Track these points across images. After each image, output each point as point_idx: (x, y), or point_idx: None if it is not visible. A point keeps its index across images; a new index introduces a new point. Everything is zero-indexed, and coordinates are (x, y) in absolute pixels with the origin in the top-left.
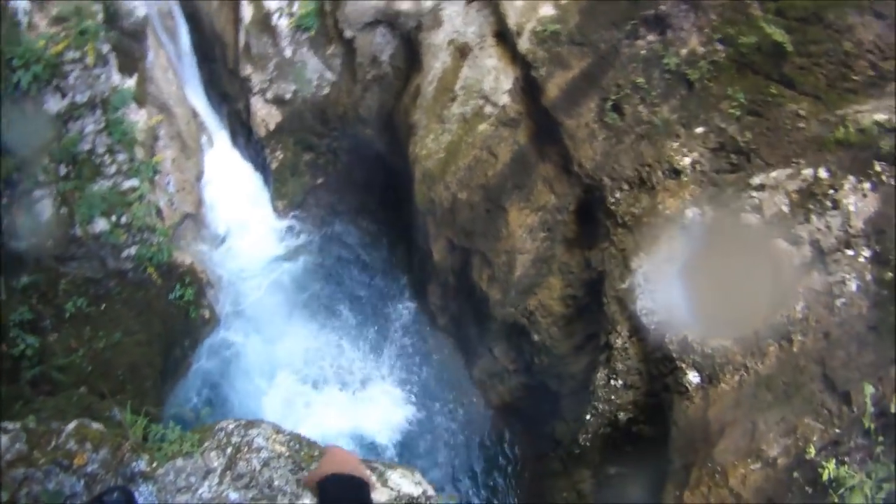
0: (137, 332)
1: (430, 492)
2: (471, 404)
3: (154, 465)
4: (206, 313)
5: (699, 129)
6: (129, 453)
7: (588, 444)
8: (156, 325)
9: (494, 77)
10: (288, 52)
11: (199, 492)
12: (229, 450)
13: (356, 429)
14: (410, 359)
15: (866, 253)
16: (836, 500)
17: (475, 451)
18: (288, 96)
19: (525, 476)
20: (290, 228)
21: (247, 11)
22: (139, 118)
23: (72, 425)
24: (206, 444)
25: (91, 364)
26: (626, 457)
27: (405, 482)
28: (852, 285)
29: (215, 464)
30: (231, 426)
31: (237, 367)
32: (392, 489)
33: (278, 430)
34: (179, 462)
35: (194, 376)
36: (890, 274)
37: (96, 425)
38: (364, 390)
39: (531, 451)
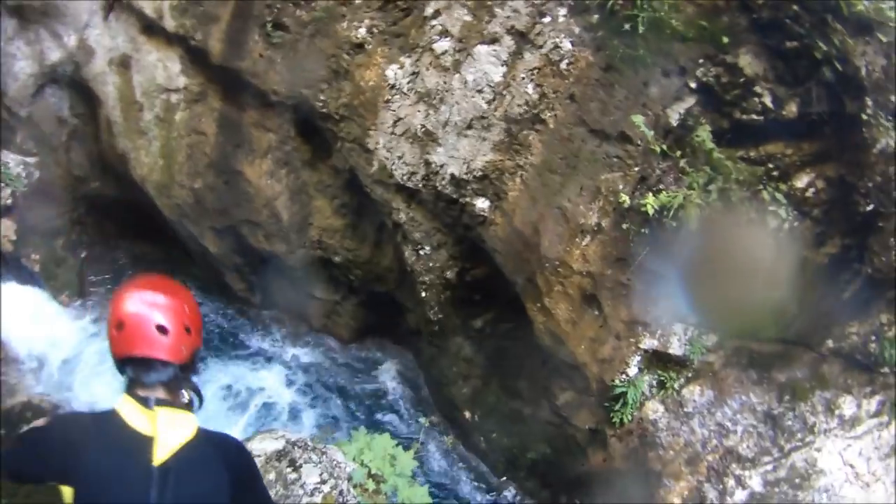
0: None
1: (292, 437)
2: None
3: None
4: None
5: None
6: None
7: (440, 315)
8: None
9: (163, 67)
10: None
11: None
12: None
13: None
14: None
15: (563, 11)
16: (674, 224)
17: (356, 392)
18: (9, 202)
19: (420, 380)
20: (84, 309)
21: None
22: None
23: None
24: None
25: None
26: (479, 305)
27: (267, 443)
28: (566, 44)
29: None
30: None
31: None
32: (258, 455)
33: None
34: None
35: None
36: (595, 16)
37: None
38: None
39: (407, 353)
